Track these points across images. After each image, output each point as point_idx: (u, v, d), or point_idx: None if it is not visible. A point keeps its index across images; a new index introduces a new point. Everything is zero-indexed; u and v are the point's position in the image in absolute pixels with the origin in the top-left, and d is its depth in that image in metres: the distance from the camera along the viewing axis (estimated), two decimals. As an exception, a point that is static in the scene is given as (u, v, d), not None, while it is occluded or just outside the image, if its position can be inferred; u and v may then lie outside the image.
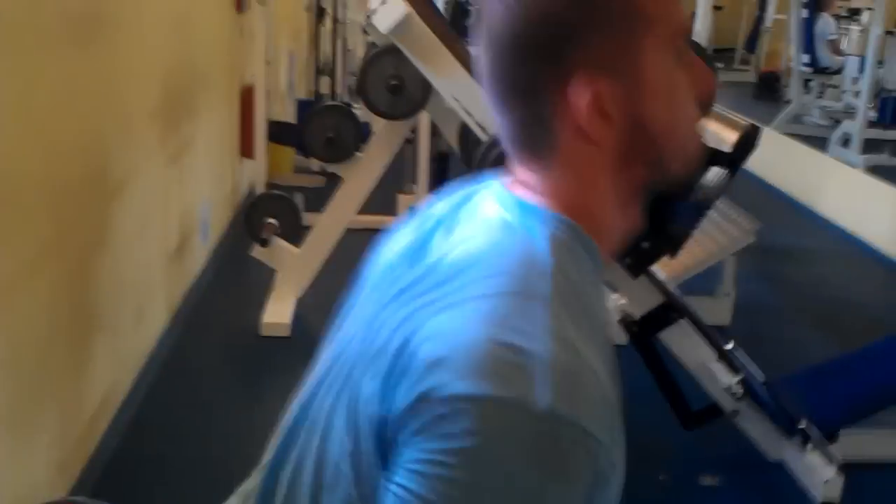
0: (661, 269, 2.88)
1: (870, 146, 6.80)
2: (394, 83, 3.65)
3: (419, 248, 0.84)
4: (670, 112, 0.77)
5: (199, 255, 4.13)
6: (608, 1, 0.75)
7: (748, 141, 2.59)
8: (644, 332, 2.66)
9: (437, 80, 2.53)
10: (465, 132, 3.20)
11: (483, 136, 2.38)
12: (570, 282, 0.74)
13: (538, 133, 0.78)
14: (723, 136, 2.60)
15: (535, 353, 0.68)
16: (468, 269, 0.75)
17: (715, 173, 2.58)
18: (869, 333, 3.58)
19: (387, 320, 0.78)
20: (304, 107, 6.00)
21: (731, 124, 2.64)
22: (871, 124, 6.94)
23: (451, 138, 3.70)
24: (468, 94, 2.45)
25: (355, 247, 4.37)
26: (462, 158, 3.36)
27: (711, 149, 2.59)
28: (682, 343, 2.69)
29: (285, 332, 3.62)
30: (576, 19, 0.74)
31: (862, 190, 5.97)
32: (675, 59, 0.77)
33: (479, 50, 0.80)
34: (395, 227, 0.93)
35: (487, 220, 0.80)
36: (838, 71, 8.65)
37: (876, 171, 6.25)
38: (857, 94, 7.70)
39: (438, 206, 0.89)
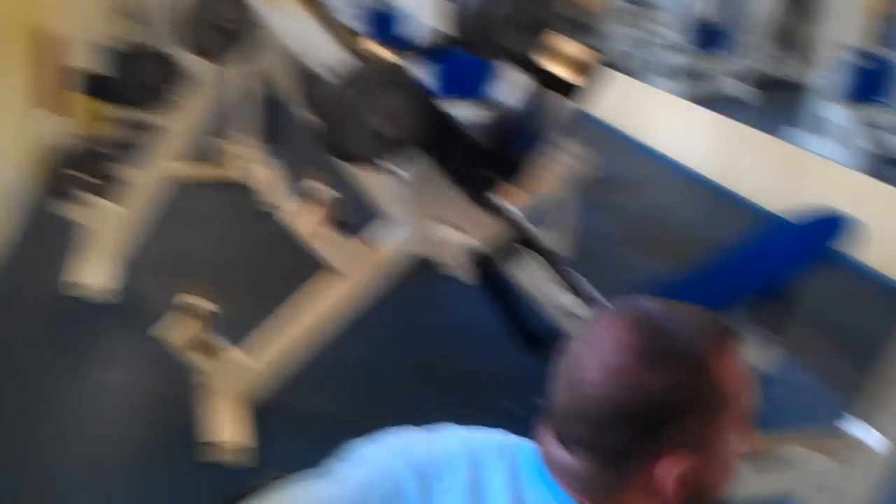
0: (508, 201, 2.84)
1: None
2: (218, 24, 3.44)
3: (426, 474, 0.90)
4: (727, 473, 0.87)
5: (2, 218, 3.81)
6: (701, 386, 0.82)
7: (588, 71, 2.54)
8: (492, 266, 2.62)
9: (272, 19, 2.35)
10: (302, 74, 3.03)
11: (324, 77, 2.24)
12: None
13: (607, 479, 0.85)
14: (563, 63, 2.53)
15: None
16: None
17: (554, 102, 2.53)
18: (694, 250, 3.69)
19: None
20: (114, 55, 5.60)
21: (571, 52, 2.58)
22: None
23: (287, 81, 3.53)
24: (307, 34, 2.31)
25: (182, 198, 4.13)
26: (302, 100, 3.20)
27: (552, 76, 2.53)
28: (528, 272, 2.66)
29: (104, 294, 3.38)
30: (674, 402, 0.81)
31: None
32: (740, 430, 0.86)
33: (559, 385, 0.86)
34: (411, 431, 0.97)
35: None
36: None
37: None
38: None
39: (459, 444, 0.94)
